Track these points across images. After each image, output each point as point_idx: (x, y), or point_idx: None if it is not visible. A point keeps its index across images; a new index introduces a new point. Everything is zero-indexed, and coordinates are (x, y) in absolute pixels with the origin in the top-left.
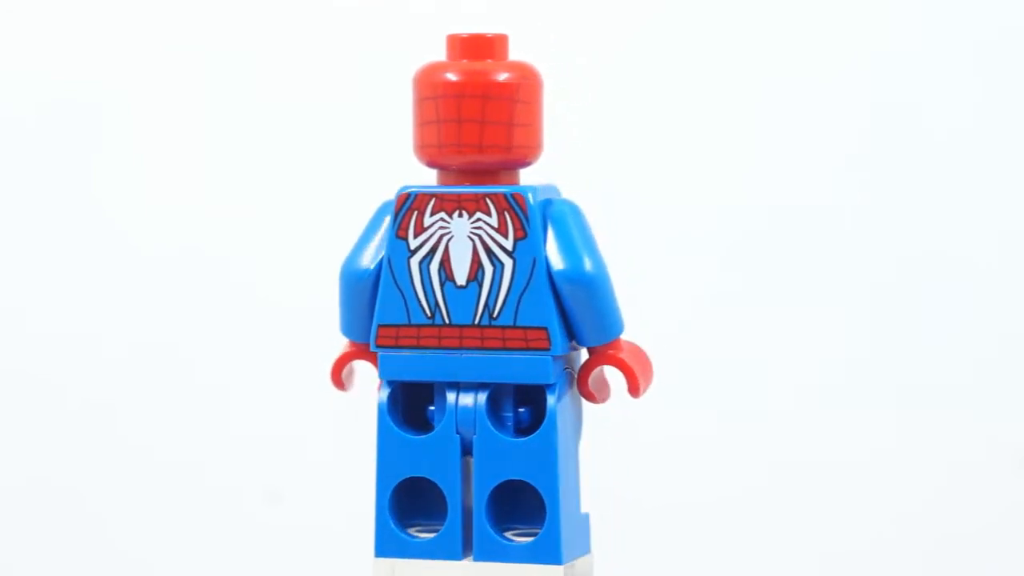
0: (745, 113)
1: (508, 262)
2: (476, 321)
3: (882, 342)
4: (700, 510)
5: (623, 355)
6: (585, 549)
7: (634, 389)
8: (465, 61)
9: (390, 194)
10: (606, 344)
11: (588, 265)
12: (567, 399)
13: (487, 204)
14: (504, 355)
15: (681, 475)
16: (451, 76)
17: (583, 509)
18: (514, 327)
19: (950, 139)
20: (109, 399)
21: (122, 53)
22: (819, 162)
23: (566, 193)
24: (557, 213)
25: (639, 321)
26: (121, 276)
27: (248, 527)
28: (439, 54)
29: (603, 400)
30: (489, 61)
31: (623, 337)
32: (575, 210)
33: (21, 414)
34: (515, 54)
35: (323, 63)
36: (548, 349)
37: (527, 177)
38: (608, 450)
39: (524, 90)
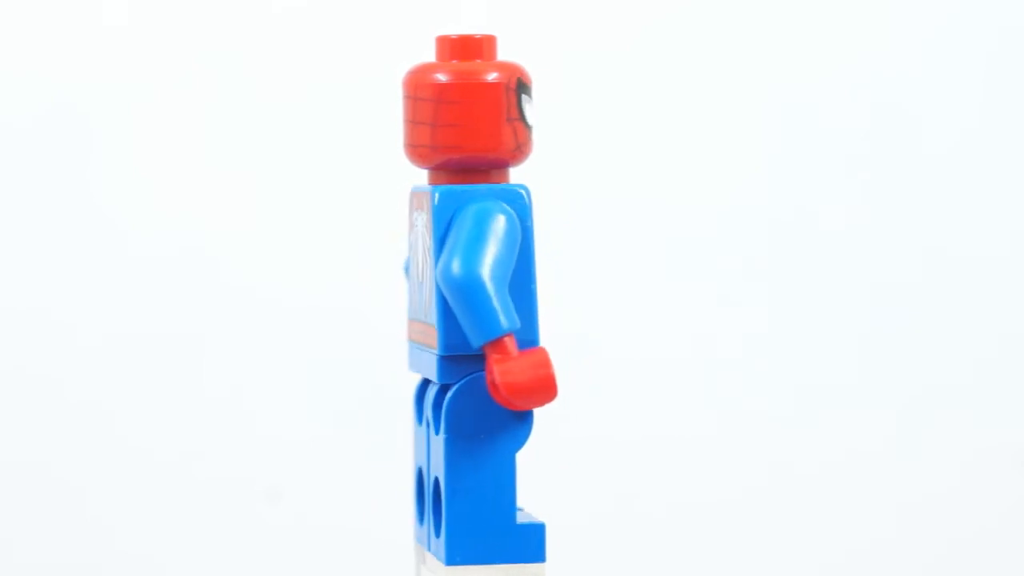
0: (745, 114)
1: (430, 260)
2: (423, 317)
3: (882, 342)
4: (700, 510)
5: (495, 360)
6: (520, 558)
7: (494, 394)
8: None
9: (391, 193)
10: (490, 347)
11: (449, 266)
12: (484, 401)
13: (423, 203)
14: (427, 352)
15: (681, 476)
16: (405, 77)
17: (535, 518)
18: (431, 325)
19: (950, 140)
20: (109, 399)
21: (123, 54)
22: (819, 163)
23: (561, 194)
24: (462, 214)
25: (639, 321)
26: (121, 276)
27: (248, 527)
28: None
29: (518, 406)
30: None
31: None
32: (483, 212)
33: (21, 414)
34: (517, 56)
35: (322, 62)
36: (435, 348)
37: (518, 177)
38: (607, 451)
39: (451, 91)
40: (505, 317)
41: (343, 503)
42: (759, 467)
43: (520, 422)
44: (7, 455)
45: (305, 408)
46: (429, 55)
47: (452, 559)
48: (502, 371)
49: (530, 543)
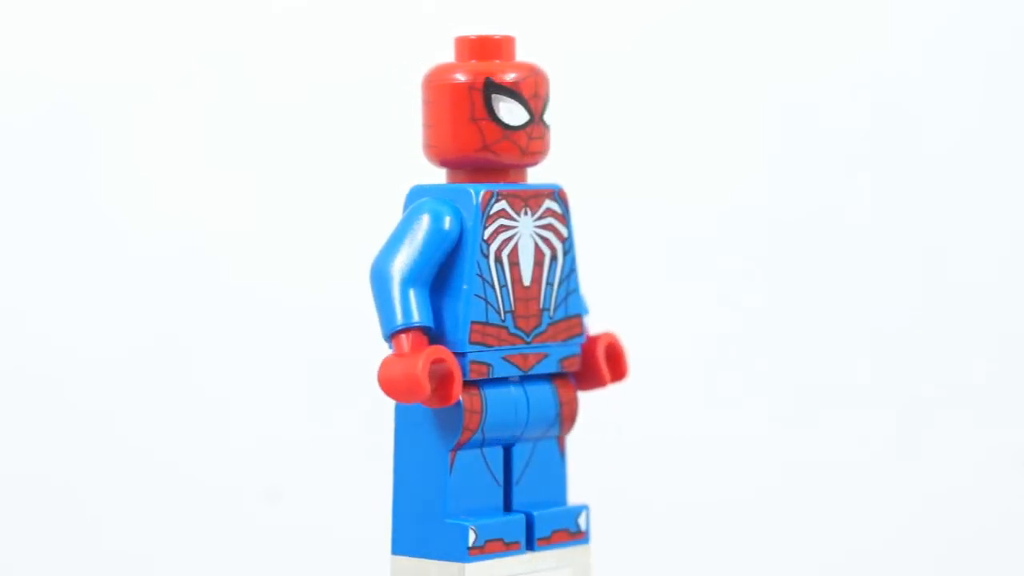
0: (745, 114)
1: None
2: None
3: (881, 342)
4: (702, 510)
5: (389, 353)
6: (446, 556)
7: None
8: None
9: (390, 193)
10: (390, 340)
11: (372, 261)
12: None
13: None
14: None
15: (682, 476)
16: None
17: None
18: None
19: (950, 140)
20: (108, 399)
21: (123, 54)
22: (821, 164)
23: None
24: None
25: (641, 321)
26: (121, 276)
27: (248, 527)
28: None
29: (421, 404)
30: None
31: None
32: (415, 211)
33: (20, 415)
34: (534, 56)
35: (321, 62)
36: None
37: (533, 177)
38: (608, 450)
39: (430, 91)
40: (402, 313)
41: (343, 504)
42: (760, 467)
43: (452, 419)
44: (6, 456)
45: (305, 408)
46: (439, 56)
47: (395, 549)
48: (381, 364)
49: (455, 543)
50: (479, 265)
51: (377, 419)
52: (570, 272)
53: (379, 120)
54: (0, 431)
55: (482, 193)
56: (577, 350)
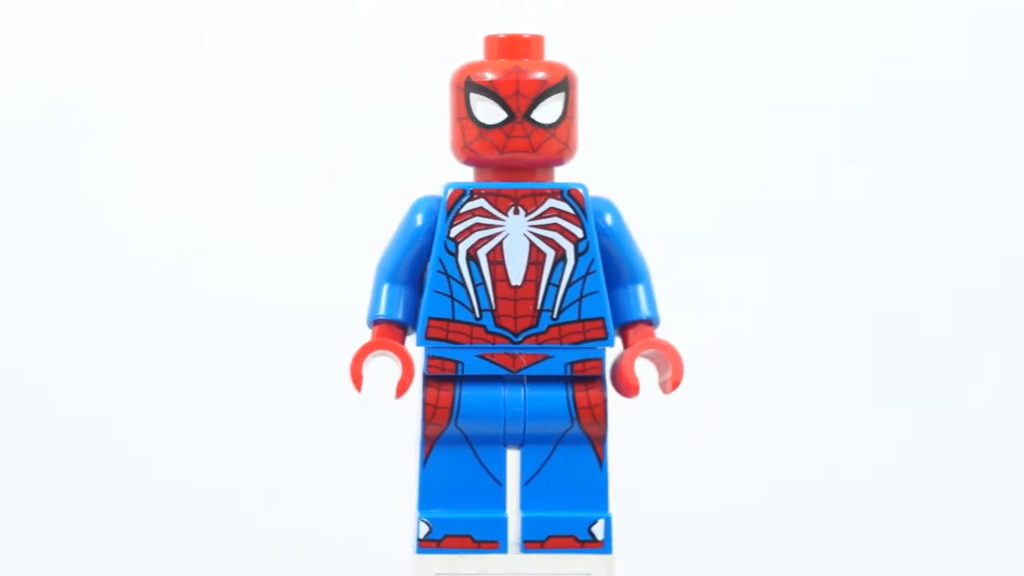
0: (745, 115)
1: None
2: None
3: (882, 343)
4: (702, 512)
5: None
6: (416, 547)
7: None
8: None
9: (390, 194)
10: None
11: None
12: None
13: None
14: None
15: (686, 477)
16: None
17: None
18: None
19: (950, 140)
20: (108, 401)
21: (122, 54)
22: (828, 165)
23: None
24: None
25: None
26: (121, 276)
27: (248, 527)
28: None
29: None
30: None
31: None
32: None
33: (20, 416)
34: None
35: (321, 63)
36: None
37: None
38: (616, 450)
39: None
40: (378, 307)
41: (343, 504)
42: (757, 469)
43: (420, 414)
44: (6, 456)
45: (305, 408)
46: (453, 55)
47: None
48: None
49: (414, 534)
50: (442, 262)
51: (376, 419)
52: (588, 273)
53: (379, 122)
54: (0, 431)
55: (450, 192)
56: (597, 354)
